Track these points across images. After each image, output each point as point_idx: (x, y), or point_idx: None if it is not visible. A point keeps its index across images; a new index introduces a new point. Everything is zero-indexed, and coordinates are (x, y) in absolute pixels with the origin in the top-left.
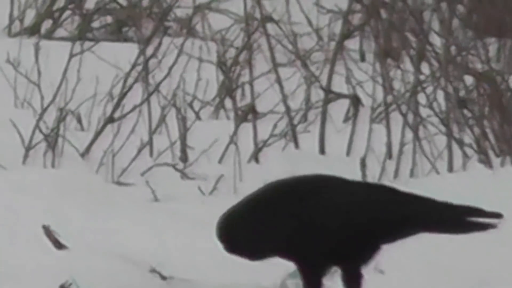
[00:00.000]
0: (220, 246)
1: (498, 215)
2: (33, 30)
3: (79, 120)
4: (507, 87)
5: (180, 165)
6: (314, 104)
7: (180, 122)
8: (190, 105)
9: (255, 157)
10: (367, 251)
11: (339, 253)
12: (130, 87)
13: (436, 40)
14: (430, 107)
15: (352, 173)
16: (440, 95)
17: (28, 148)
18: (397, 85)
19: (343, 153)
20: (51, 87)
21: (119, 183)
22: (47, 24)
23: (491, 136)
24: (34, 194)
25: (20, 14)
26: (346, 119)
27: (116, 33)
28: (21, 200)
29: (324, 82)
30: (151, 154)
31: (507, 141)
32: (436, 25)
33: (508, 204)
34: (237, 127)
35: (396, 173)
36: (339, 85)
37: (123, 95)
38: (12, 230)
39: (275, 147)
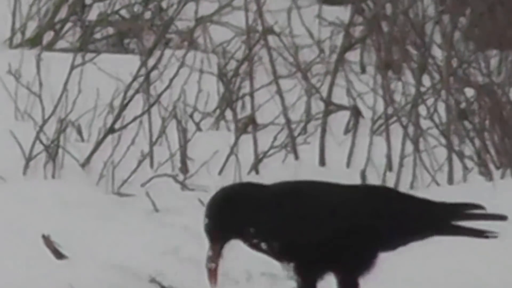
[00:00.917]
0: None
1: (501, 217)
2: (34, 42)
3: (80, 132)
4: (508, 100)
5: (181, 177)
6: (315, 115)
7: (180, 134)
8: (191, 117)
9: (255, 168)
10: (364, 258)
11: (332, 257)
12: (131, 98)
13: (438, 52)
14: (431, 119)
15: None
16: (441, 107)
17: (28, 159)
18: (397, 97)
19: (343, 165)
20: (51, 99)
21: (119, 194)
22: (48, 36)
23: (491, 149)
24: (35, 205)
25: (21, 25)
26: (346, 131)
27: (118, 45)
28: (22, 210)
29: (324, 94)
30: (151, 165)
31: (508, 154)
32: (437, 38)
33: (508, 216)
34: (237, 138)
35: (396, 185)
36: (340, 97)
37: (124, 106)
38: (12, 240)
39: (275, 159)
